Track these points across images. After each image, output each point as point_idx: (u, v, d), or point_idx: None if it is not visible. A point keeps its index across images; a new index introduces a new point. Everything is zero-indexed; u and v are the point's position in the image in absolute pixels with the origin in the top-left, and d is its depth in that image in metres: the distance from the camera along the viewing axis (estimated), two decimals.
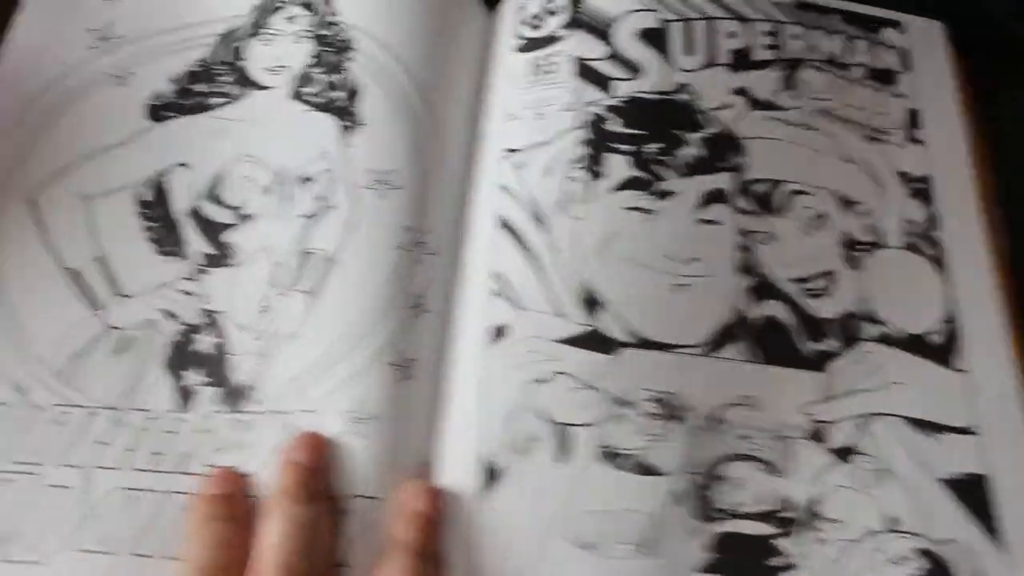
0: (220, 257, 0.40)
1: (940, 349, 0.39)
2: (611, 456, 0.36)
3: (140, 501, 0.35)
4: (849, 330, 0.39)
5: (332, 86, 0.43)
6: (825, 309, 0.40)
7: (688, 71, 0.43)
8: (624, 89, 0.42)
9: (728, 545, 0.35)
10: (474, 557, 0.34)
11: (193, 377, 0.37)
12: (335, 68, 0.43)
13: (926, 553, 0.35)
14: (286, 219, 0.40)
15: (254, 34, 0.45)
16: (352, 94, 0.43)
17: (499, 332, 0.37)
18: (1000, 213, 0.43)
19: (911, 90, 0.46)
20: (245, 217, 0.41)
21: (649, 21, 0.44)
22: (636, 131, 0.41)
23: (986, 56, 0.47)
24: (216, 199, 0.41)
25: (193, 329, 0.38)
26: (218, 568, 0.32)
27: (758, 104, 0.43)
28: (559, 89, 0.42)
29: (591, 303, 0.38)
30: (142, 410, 0.37)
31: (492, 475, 0.35)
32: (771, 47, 0.45)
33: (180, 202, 0.41)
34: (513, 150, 0.41)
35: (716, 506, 0.35)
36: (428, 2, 0.45)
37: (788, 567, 0.35)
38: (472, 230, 0.41)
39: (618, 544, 0.34)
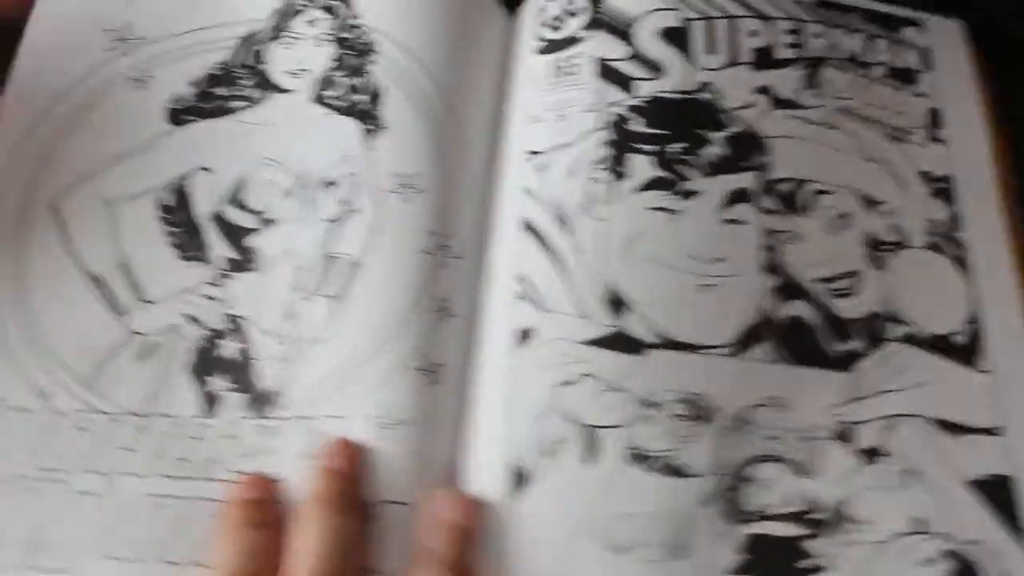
0: (243, 262, 0.40)
1: (964, 349, 0.39)
2: (639, 458, 0.35)
3: (166, 507, 0.35)
4: (874, 330, 0.39)
5: (354, 89, 0.43)
6: (850, 309, 0.39)
7: (710, 70, 0.43)
8: (646, 89, 0.42)
9: (758, 547, 0.35)
10: (503, 560, 0.34)
11: (218, 383, 0.37)
12: (357, 71, 0.43)
13: (953, 554, 0.35)
14: (309, 223, 0.40)
15: (275, 37, 0.44)
16: (374, 97, 0.42)
17: (525, 335, 0.37)
18: (1021, 213, 0.43)
19: (932, 89, 0.45)
20: (268, 221, 0.41)
21: (670, 20, 0.44)
22: (659, 131, 0.41)
23: (986, 56, 0.47)
24: (239, 203, 0.41)
25: (217, 334, 0.38)
26: (248, 574, 0.32)
27: (780, 103, 0.43)
28: (581, 90, 0.42)
29: (616, 304, 0.38)
30: (166, 416, 0.37)
31: (520, 478, 0.35)
32: (793, 45, 0.45)
33: (202, 207, 0.41)
34: (535, 152, 0.41)
35: (745, 508, 0.35)
36: (449, 5, 0.45)
37: (817, 569, 0.35)
38: (496, 233, 0.41)
39: (648, 547, 0.34)
